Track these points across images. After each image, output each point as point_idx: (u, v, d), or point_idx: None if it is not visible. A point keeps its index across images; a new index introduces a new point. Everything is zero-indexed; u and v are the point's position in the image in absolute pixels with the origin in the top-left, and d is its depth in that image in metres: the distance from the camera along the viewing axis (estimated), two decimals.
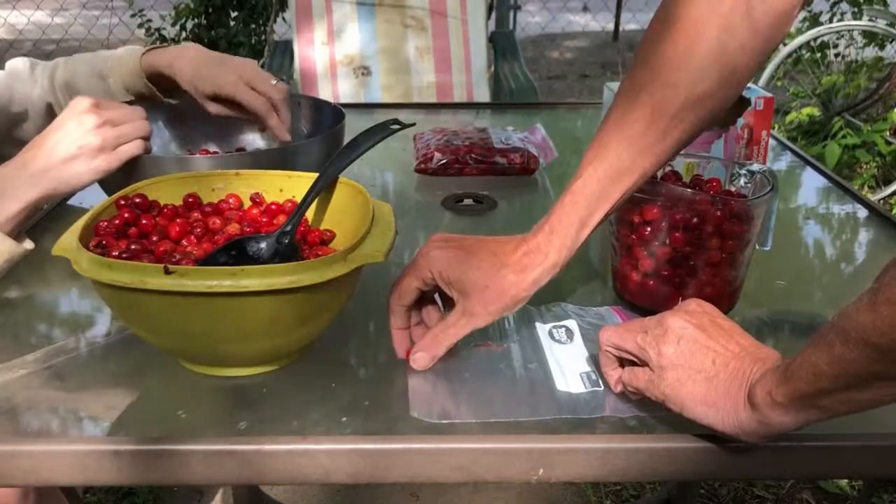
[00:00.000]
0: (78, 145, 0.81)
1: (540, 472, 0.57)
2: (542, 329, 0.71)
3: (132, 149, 0.84)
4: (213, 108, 1.00)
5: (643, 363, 0.60)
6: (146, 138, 0.86)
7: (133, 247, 0.67)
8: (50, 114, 1.03)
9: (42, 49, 4.86)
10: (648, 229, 0.72)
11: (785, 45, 3.34)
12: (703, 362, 0.56)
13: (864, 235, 0.98)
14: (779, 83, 3.40)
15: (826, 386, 0.49)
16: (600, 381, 0.65)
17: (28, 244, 0.81)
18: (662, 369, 0.57)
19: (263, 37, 3.74)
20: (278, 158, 0.89)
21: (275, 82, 0.98)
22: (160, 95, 1.03)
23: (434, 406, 0.62)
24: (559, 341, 0.69)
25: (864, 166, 3.13)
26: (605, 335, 0.63)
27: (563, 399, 0.63)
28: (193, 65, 0.98)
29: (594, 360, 0.66)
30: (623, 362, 0.63)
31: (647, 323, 0.61)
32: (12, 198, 0.79)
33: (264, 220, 0.75)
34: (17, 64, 1.04)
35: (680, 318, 0.59)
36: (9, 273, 0.80)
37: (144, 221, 0.71)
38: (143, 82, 1.01)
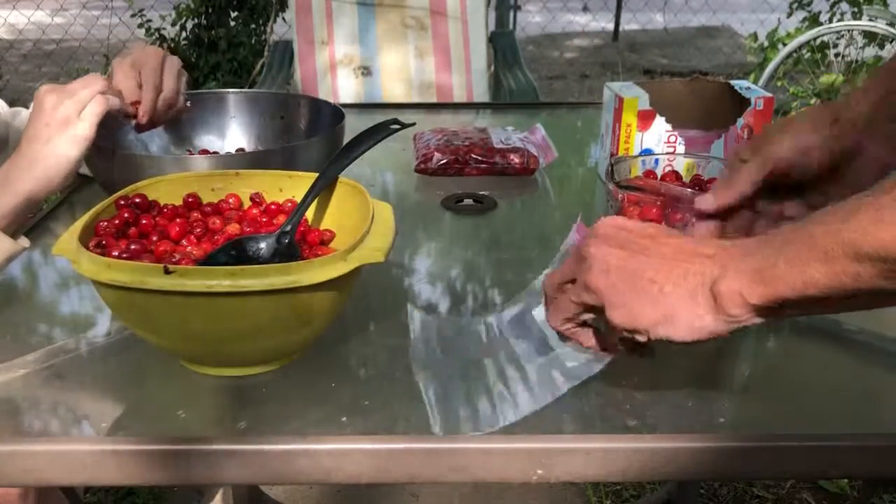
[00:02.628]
0: (44, 124, 0.82)
1: (540, 472, 0.57)
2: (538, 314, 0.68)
3: (95, 108, 0.84)
4: (123, 79, 0.93)
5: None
6: (111, 93, 0.85)
7: (133, 247, 0.67)
8: None
9: (42, 49, 4.86)
10: None
11: (785, 45, 3.34)
12: (641, 285, 0.53)
13: None
14: (779, 83, 3.40)
15: (814, 294, 0.47)
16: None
17: (24, 241, 0.81)
18: (608, 308, 0.54)
19: (263, 37, 3.74)
20: (278, 158, 0.89)
21: (183, 98, 0.95)
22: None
23: (456, 418, 0.60)
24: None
25: None
26: (549, 319, 0.60)
27: (573, 371, 0.61)
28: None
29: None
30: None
31: (566, 271, 0.58)
32: (7, 193, 0.80)
33: (264, 220, 0.75)
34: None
35: (596, 246, 0.55)
36: (9, 273, 0.80)
37: (144, 221, 0.71)
38: None
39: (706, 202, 0.67)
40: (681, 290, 0.52)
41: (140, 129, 0.94)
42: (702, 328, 0.52)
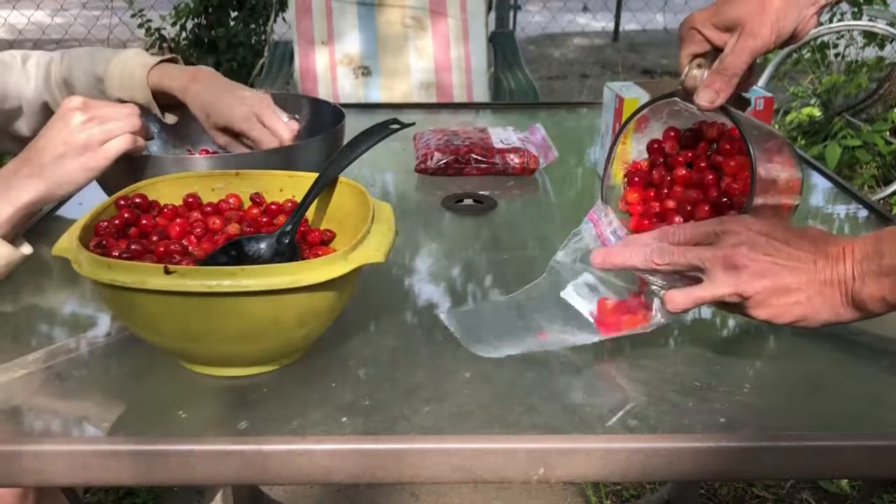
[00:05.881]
0: (63, 142, 0.79)
1: (540, 472, 0.57)
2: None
3: (120, 144, 0.81)
4: (222, 139, 0.97)
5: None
6: (141, 135, 0.84)
7: (133, 247, 0.67)
8: (46, 112, 1.01)
9: (42, 49, 4.85)
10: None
11: None
12: (790, 293, 0.61)
13: None
14: (779, 83, 3.40)
15: None
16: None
17: (26, 249, 0.80)
18: (755, 307, 0.62)
19: (263, 37, 3.74)
20: (278, 158, 0.89)
21: (286, 120, 0.95)
22: (159, 113, 1.00)
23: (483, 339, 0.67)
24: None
25: (864, 166, 3.13)
26: (675, 301, 0.64)
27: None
28: (208, 93, 0.95)
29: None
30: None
31: (707, 264, 0.62)
32: (5, 201, 0.79)
33: (264, 220, 0.75)
34: (5, 57, 1.01)
35: (747, 256, 0.61)
36: (9, 273, 0.80)
37: (144, 221, 0.71)
38: (146, 97, 0.97)
39: (708, 99, 0.74)
40: (824, 298, 0.61)
41: None
42: (836, 321, 0.62)
